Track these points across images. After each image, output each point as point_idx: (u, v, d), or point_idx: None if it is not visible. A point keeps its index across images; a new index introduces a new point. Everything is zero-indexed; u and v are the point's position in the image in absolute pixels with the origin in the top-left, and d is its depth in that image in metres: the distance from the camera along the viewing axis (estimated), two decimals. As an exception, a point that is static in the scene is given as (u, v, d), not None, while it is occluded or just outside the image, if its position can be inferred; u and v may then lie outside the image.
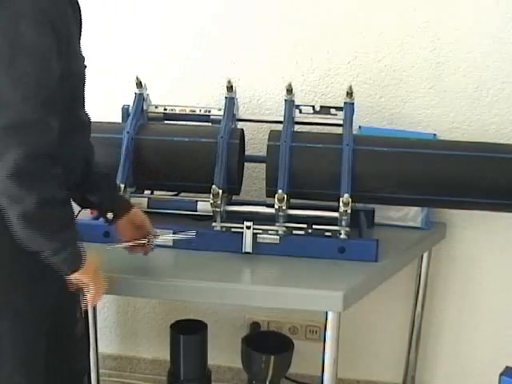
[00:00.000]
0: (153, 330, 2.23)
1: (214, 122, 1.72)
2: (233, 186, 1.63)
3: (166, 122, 1.77)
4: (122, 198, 1.52)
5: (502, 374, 1.68)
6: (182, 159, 1.63)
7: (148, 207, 1.62)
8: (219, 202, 1.54)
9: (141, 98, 1.71)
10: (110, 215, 1.44)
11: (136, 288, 1.49)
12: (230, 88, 1.67)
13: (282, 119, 1.64)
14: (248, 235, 1.55)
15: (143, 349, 2.26)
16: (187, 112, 1.75)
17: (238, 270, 1.54)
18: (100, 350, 1.62)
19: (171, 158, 1.64)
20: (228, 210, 1.59)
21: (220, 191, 1.53)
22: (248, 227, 1.55)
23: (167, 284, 1.48)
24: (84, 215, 1.69)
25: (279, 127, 1.63)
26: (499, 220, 1.89)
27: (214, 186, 1.53)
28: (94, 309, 1.55)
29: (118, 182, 1.58)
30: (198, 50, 1.92)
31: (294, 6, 1.84)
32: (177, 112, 1.76)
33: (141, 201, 1.63)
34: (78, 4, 1.25)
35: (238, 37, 1.89)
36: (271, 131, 1.64)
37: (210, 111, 1.73)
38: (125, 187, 1.59)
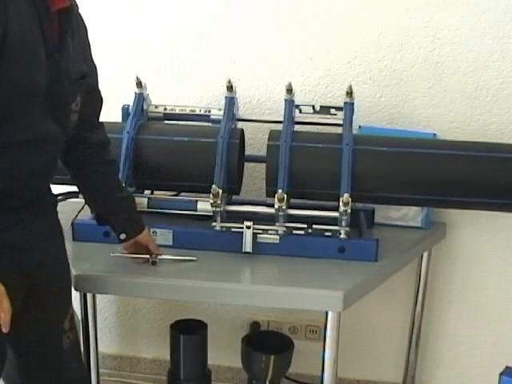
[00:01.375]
0: (153, 330, 2.23)
1: (214, 121, 1.72)
2: (233, 186, 1.63)
3: (165, 121, 1.77)
4: (137, 220, 1.49)
5: (501, 374, 1.68)
6: (182, 159, 1.63)
7: (148, 207, 1.63)
8: (219, 202, 1.54)
9: (141, 98, 1.71)
10: (122, 236, 1.46)
11: (136, 288, 1.49)
12: (230, 88, 1.67)
13: (282, 119, 1.64)
14: (248, 235, 1.55)
15: (143, 349, 2.26)
16: (187, 112, 1.75)
17: (238, 269, 1.54)
18: (100, 350, 1.62)
19: (171, 158, 1.64)
20: (228, 209, 1.59)
21: (220, 191, 1.53)
22: (248, 227, 1.55)
23: (167, 284, 1.48)
24: (84, 215, 1.69)
25: (279, 127, 1.63)
26: (499, 220, 1.89)
27: (213, 186, 1.53)
28: (94, 309, 1.55)
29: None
30: (198, 50, 1.92)
31: (294, 6, 1.84)
32: (177, 112, 1.76)
33: (141, 201, 1.63)
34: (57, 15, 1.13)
35: (238, 37, 1.89)
36: (271, 131, 1.64)
37: (210, 111, 1.74)
38: (125, 187, 1.59)
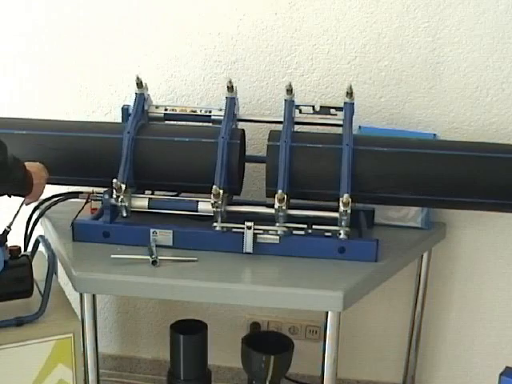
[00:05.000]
0: (153, 330, 2.23)
1: (214, 122, 1.72)
2: (233, 186, 1.63)
3: (166, 122, 1.77)
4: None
5: (501, 374, 1.68)
6: (183, 159, 1.63)
7: (149, 207, 1.62)
8: (220, 203, 1.54)
9: (141, 98, 1.71)
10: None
11: (136, 288, 1.49)
12: (230, 88, 1.67)
13: (282, 119, 1.64)
14: (249, 235, 1.55)
15: (143, 349, 2.26)
16: (188, 112, 1.75)
17: (238, 270, 1.54)
18: (100, 350, 1.61)
19: (172, 159, 1.63)
20: (228, 210, 1.59)
21: (221, 191, 1.53)
22: (249, 227, 1.55)
23: (167, 284, 1.48)
24: (84, 215, 1.69)
25: (279, 127, 1.63)
26: (499, 220, 1.89)
27: (214, 187, 1.53)
28: (94, 309, 1.55)
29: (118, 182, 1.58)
30: (198, 49, 1.91)
31: (293, 6, 1.84)
32: (177, 112, 1.75)
33: (142, 201, 1.62)
34: None
35: (238, 37, 1.89)
36: (271, 131, 1.64)
37: (210, 111, 1.73)
38: (126, 187, 1.58)
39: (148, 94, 1.74)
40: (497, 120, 1.84)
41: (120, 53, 1.95)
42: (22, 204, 1.48)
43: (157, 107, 1.76)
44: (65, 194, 1.80)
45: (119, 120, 1.77)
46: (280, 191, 1.52)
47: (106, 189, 1.66)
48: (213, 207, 1.55)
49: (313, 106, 1.69)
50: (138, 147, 1.63)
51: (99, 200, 1.67)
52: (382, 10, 1.81)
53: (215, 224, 1.58)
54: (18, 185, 1.38)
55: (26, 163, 1.39)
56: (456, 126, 1.86)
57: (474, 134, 1.84)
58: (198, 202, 1.62)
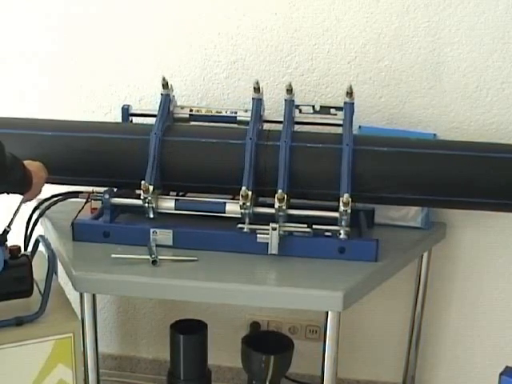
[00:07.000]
0: (153, 330, 2.23)
1: (240, 123, 1.70)
2: (260, 188, 1.61)
3: (191, 123, 1.74)
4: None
5: (501, 374, 1.68)
6: (210, 161, 1.61)
7: (175, 208, 1.61)
8: (248, 204, 1.53)
9: (167, 99, 1.69)
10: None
11: (136, 288, 1.49)
12: (257, 89, 1.64)
13: (282, 119, 1.64)
14: (274, 237, 1.54)
15: (143, 349, 2.26)
16: (213, 113, 1.73)
17: (238, 269, 1.54)
18: (100, 350, 1.61)
19: (198, 160, 1.61)
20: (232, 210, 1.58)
21: (249, 193, 1.52)
22: (274, 229, 1.54)
23: (167, 284, 1.48)
24: (84, 215, 1.69)
25: (279, 127, 1.63)
26: (499, 220, 1.89)
27: (243, 188, 1.52)
28: (94, 309, 1.55)
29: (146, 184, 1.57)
30: (198, 50, 1.91)
31: (293, 6, 1.84)
32: (203, 113, 1.73)
33: (168, 203, 1.61)
34: None
35: (238, 37, 1.89)
36: (271, 131, 1.64)
37: (236, 112, 1.71)
38: (153, 189, 1.57)
39: (173, 95, 1.72)
40: (497, 120, 1.84)
41: (120, 53, 1.95)
42: (20, 203, 1.48)
43: (182, 108, 1.74)
44: (65, 193, 1.80)
45: (119, 120, 1.77)
46: (280, 191, 1.52)
47: (106, 188, 1.66)
48: (241, 209, 1.54)
49: (313, 106, 1.69)
50: (164, 148, 1.61)
51: (99, 200, 1.67)
52: (382, 9, 1.81)
53: (242, 225, 1.57)
54: (17, 183, 1.39)
55: (26, 162, 1.40)
56: (456, 125, 1.86)
57: (473, 134, 1.84)
58: (225, 203, 1.60)
